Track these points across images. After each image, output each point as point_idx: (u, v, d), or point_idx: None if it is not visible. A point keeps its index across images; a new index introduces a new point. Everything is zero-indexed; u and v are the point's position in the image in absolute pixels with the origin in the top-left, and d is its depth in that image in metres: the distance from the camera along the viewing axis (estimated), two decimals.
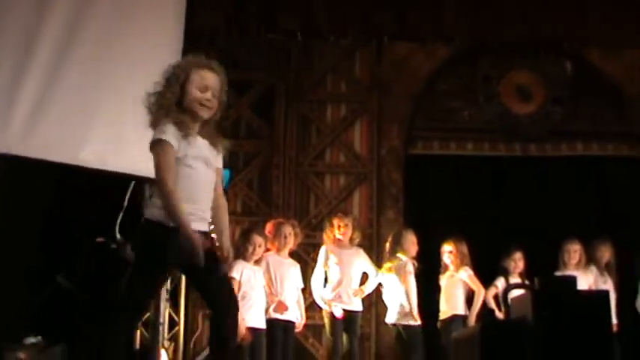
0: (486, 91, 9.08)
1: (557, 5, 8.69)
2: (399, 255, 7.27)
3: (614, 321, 7.31)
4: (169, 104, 3.80)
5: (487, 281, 7.67)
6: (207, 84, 3.86)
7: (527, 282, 7.16)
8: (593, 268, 7.72)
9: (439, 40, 8.96)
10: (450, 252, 7.56)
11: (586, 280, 7.45)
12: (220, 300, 3.82)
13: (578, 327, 3.46)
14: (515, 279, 7.53)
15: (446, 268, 7.65)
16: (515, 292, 4.59)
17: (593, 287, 7.41)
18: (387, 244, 7.47)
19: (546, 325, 3.48)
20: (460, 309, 7.46)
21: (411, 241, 7.28)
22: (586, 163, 9.18)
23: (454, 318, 7.39)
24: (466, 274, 7.45)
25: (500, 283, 7.59)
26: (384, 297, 7.44)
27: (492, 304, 7.52)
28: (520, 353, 3.66)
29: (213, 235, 3.87)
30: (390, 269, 7.28)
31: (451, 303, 7.49)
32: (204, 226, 3.84)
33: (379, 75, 8.96)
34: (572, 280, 4.14)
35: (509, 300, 4.37)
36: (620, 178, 9.13)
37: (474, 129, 9.07)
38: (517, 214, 8.69)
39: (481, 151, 9.07)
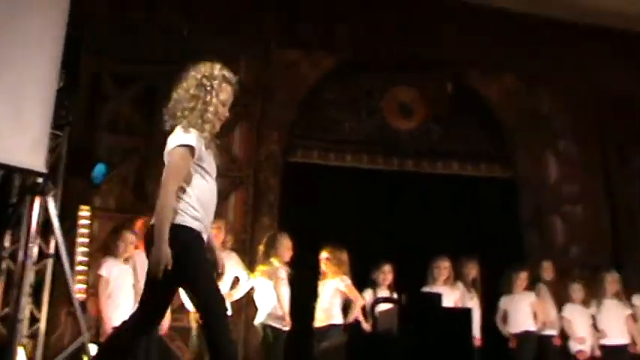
0: (369, 104, 9.22)
1: (441, 27, 8.89)
2: (272, 259, 7.18)
3: (478, 336, 7.60)
4: (201, 114, 3.91)
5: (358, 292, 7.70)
6: (228, 100, 4.03)
7: (395, 295, 7.27)
8: (460, 285, 7.89)
9: (326, 50, 9.01)
10: (327, 259, 7.47)
11: (453, 296, 7.62)
12: None
13: (441, 341, 3.52)
14: (383, 291, 7.59)
15: (324, 275, 7.55)
16: (383, 306, 4.64)
17: (459, 303, 7.58)
18: (261, 247, 7.37)
19: (411, 339, 3.52)
20: (336, 318, 7.35)
21: (285, 246, 7.16)
22: (460, 182, 9.42)
23: (330, 327, 7.27)
24: (343, 284, 7.36)
25: (368, 294, 7.63)
26: (256, 299, 7.33)
27: (360, 316, 7.50)
28: None
29: None
30: (263, 273, 7.18)
31: (328, 311, 7.36)
32: (206, 236, 3.89)
33: (264, 80, 8.91)
34: (438, 296, 4.22)
35: (376, 312, 4.40)
36: (491, 199, 9.42)
37: (353, 141, 9.18)
38: (391, 227, 8.81)
39: (359, 164, 9.18)
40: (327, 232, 8.23)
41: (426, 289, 7.63)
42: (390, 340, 3.62)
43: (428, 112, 9.34)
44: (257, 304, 7.29)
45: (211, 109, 3.97)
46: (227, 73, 4.09)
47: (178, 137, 3.87)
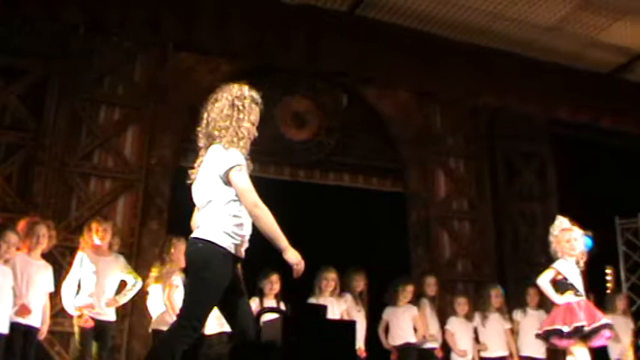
0: (263, 112, 9.18)
1: (339, 40, 8.96)
2: (167, 265, 7.03)
3: (362, 347, 7.69)
4: (235, 132, 4.21)
5: None
6: (256, 120, 4.41)
7: (282, 305, 7.28)
8: (348, 296, 7.96)
9: (223, 56, 8.95)
10: None
11: (339, 307, 7.69)
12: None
13: (324, 353, 3.55)
14: (270, 301, 7.56)
15: None
16: (269, 316, 4.62)
17: (346, 315, 7.65)
18: (157, 251, 7.20)
19: (294, 351, 3.53)
20: (227, 325, 7.15)
21: (180, 251, 6.99)
22: (352, 194, 9.53)
23: (220, 335, 7.16)
24: None
25: (254, 304, 7.59)
26: (148, 305, 7.18)
27: None
28: None
29: None
30: (157, 279, 7.03)
31: (220, 319, 7.19)
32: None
33: (159, 83, 8.79)
34: (323, 308, 4.24)
35: (261, 323, 4.39)
36: (381, 211, 9.56)
37: None
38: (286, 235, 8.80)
39: (251, 172, 9.12)
40: None
41: (312, 300, 7.66)
42: (274, 351, 3.63)
43: (321, 123, 9.41)
44: (150, 310, 7.15)
45: (244, 127, 4.29)
46: (255, 94, 4.44)
47: (231, 157, 4.17)
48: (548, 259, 6.57)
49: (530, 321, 8.21)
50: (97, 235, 7.01)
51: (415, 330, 8.11)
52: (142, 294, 7.24)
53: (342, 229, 9.11)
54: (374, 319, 8.22)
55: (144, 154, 8.56)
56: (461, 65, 8.82)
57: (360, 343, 7.77)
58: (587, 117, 9.54)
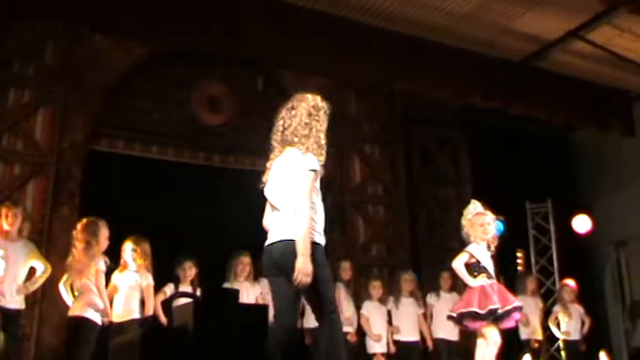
0: (178, 96, 9.08)
1: (256, 25, 8.90)
2: (94, 248, 6.76)
3: None
4: (316, 140, 4.54)
5: (161, 285, 7.53)
6: (326, 129, 4.67)
7: (199, 291, 7.22)
8: (264, 281, 7.91)
9: (139, 38, 8.78)
10: (134, 250, 7.21)
11: (254, 291, 7.67)
12: None
13: (236, 338, 3.53)
14: (186, 287, 7.50)
15: (125, 266, 7.28)
16: (182, 301, 4.58)
17: (260, 300, 7.63)
18: (80, 235, 6.90)
19: (206, 335, 3.50)
20: (136, 312, 7.05)
21: (104, 236, 6.82)
22: None
23: (131, 322, 7.02)
24: (146, 283, 7.12)
25: (169, 289, 7.51)
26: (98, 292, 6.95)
27: (159, 311, 7.33)
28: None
29: None
30: (81, 264, 6.75)
31: (127, 306, 7.10)
32: None
33: (71, 64, 8.56)
34: (234, 292, 4.21)
35: (173, 307, 4.34)
36: None
37: (161, 132, 9.00)
38: (197, 221, 8.73)
39: (165, 156, 9.03)
40: (129, 224, 7.98)
41: (227, 285, 7.61)
42: (185, 336, 3.58)
43: (237, 107, 9.34)
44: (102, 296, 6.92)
45: (322, 135, 4.64)
46: (325, 105, 4.81)
47: (307, 161, 4.42)
48: (462, 244, 6.67)
49: (444, 304, 8.34)
50: (6, 220, 6.83)
51: None
52: (52, 280, 7.06)
53: (257, 214, 9.05)
54: None
55: (55, 137, 8.32)
56: (376, 51, 8.87)
57: None
58: (499, 104, 9.71)
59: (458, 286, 8.16)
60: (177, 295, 5.47)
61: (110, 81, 8.74)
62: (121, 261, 7.29)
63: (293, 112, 4.69)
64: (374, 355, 8.38)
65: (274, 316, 4.29)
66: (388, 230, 10.14)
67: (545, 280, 10.76)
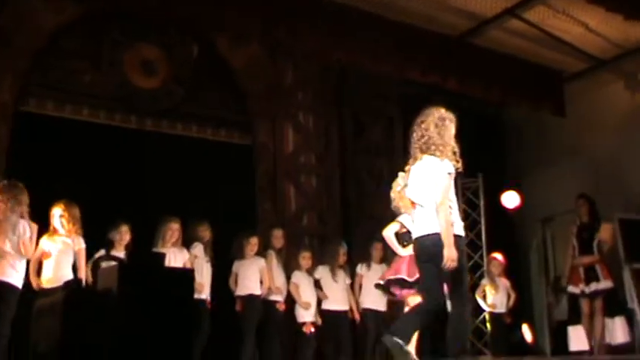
0: (111, 58, 8.89)
1: None
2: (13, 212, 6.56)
3: (208, 298, 7.71)
4: (452, 148, 5.18)
5: (94, 251, 7.38)
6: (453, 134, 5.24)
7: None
8: (195, 247, 7.86)
9: None
10: (62, 216, 7.05)
11: (182, 257, 7.60)
12: None
13: (160, 300, 3.48)
14: (119, 252, 7.37)
15: (54, 231, 7.11)
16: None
17: (189, 265, 7.57)
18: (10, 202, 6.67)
19: (130, 297, 3.45)
20: (67, 277, 6.73)
21: (25, 199, 6.60)
22: (199, 144, 9.42)
23: (57, 288, 6.84)
24: (77, 247, 6.96)
25: (100, 254, 7.38)
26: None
27: (89, 275, 7.17)
28: (102, 323, 3.58)
29: None
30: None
31: (60, 271, 6.94)
32: None
33: None
34: (160, 256, 4.16)
35: (99, 270, 4.27)
36: (228, 164, 9.51)
37: (91, 95, 8.82)
38: (128, 186, 8.60)
39: (96, 119, 8.86)
40: (59, 187, 7.80)
41: (155, 250, 7.53)
42: (109, 298, 3.52)
43: (171, 72, 9.20)
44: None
45: (453, 142, 5.21)
46: (450, 115, 5.30)
47: (444, 166, 5.07)
48: (393, 215, 6.71)
49: (374, 275, 8.37)
50: None
51: (261, 282, 8.15)
52: None
53: (188, 181, 9.00)
54: (221, 271, 8.20)
55: None
56: (315, 20, 8.75)
57: (207, 294, 7.82)
58: (436, 79, 9.73)
59: (388, 258, 8.20)
60: (103, 257, 5.38)
61: (40, 41, 8.52)
62: (50, 226, 7.09)
63: (423, 126, 5.25)
64: (303, 324, 8.42)
65: (427, 296, 5.05)
66: (320, 200, 10.17)
67: (473, 254, 10.90)
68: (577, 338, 9.35)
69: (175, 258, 7.46)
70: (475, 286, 9.79)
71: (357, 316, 8.63)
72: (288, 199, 9.95)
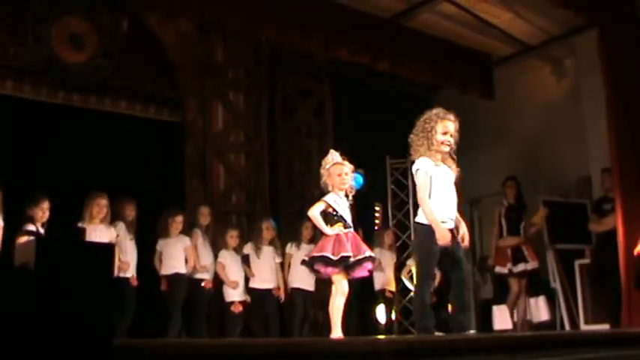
0: (37, 31, 8.67)
1: None
2: None
3: (134, 275, 7.79)
4: (428, 146, 5.64)
5: (14, 228, 7.21)
6: (449, 129, 5.72)
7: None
8: (120, 225, 7.80)
9: None
10: None
11: (109, 234, 7.52)
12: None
13: (79, 277, 3.44)
14: (40, 228, 7.24)
15: None
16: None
17: (115, 241, 7.49)
18: None
19: (47, 273, 3.40)
20: None
21: None
22: (128, 121, 9.30)
23: None
24: None
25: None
26: None
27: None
28: (20, 300, 3.51)
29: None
30: None
31: None
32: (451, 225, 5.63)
33: None
34: (80, 231, 4.10)
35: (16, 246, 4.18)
36: (157, 141, 9.42)
37: (16, 68, 8.62)
38: (56, 163, 8.45)
39: (21, 93, 8.65)
40: None
41: (81, 225, 7.42)
42: (26, 274, 3.47)
43: (100, 46, 9.03)
44: None
45: (434, 141, 5.65)
46: (439, 111, 5.80)
47: (416, 165, 5.67)
48: (322, 194, 6.72)
49: (303, 254, 8.32)
50: None
51: (187, 260, 8.11)
52: None
53: (116, 158, 8.89)
54: (148, 249, 8.13)
55: None
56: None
57: (132, 272, 7.75)
58: (366, 59, 9.76)
59: (318, 237, 8.23)
60: (22, 232, 5.28)
61: None
62: None
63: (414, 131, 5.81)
64: (231, 303, 8.41)
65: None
66: (249, 179, 10.17)
67: (401, 234, 11.04)
68: (501, 317, 9.57)
69: (102, 235, 7.37)
70: (402, 266, 9.91)
71: (282, 295, 8.64)
72: (217, 177, 9.92)
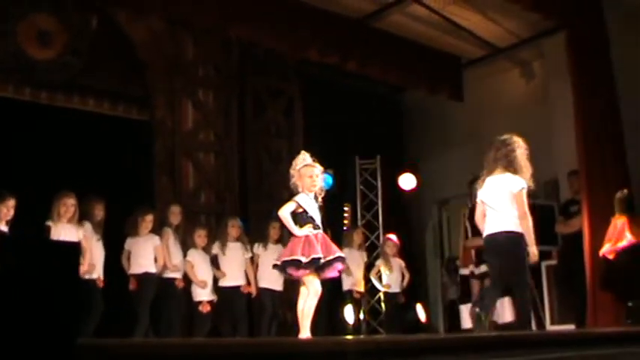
0: (3, 27, 8.57)
1: None
2: None
3: (101, 276, 7.68)
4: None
5: None
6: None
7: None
8: (87, 225, 7.73)
9: None
10: None
11: (77, 234, 7.44)
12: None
13: (44, 276, 3.39)
14: (4, 226, 7.16)
15: None
16: None
17: (83, 241, 7.42)
18: None
19: (11, 273, 3.35)
20: None
21: None
22: (96, 119, 9.23)
23: None
24: None
25: None
26: None
27: None
28: None
29: None
30: None
31: None
32: None
33: None
34: (45, 228, 4.05)
35: None
36: (126, 139, 9.36)
37: None
38: (20, 160, 8.35)
39: None
40: None
41: (48, 224, 7.35)
42: None
43: (68, 43, 8.94)
44: None
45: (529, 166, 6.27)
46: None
47: (522, 182, 6.17)
48: (291, 195, 6.71)
49: (270, 254, 8.38)
50: None
51: (156, 260, 8.06)
52: None
53: (84, 156, 8.82)
54: (116, 248, 8.06)
55: None
56: None
57: (99, 273, 7.67)
58: (335, 59, 9.77)
59: (285, 238, 8.22)
60: None
61: None
62: None
63: (509, 147, 6.23)
64: (200, 302, 8.37)
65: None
66: (218, 178, 10.13)
67: (370, 234, 11.07)
68: (469, 317, 9.59)
69: (69, 234, 7.29)
70: (371, 266, 9.93)
71: (253, 291, 8.62)
72: (186, 176, 9.88)
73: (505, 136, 6.36)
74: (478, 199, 6.44)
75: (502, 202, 6.16)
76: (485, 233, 6.27)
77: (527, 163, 6.27)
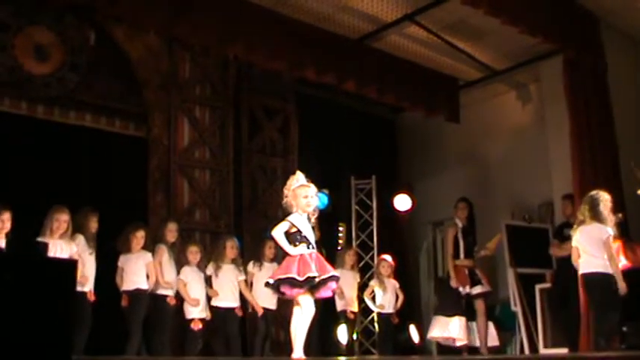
0: (1, 40, 8.56)
1: None
2: None
3: (92, 290, 7.62)
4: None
5: None
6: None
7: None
8: (80, 238, 7.68)
9: None
10: None
11: (69, 249, 7.39)
12: None
13: (41, 292, 3.38)
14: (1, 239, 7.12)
15: None
16: None
17: (77, 257, 7.37)
18: None
19: (9, 289, 3.33)
20: None
21: None
22: (93, 134, 9.22)
23: None
24: None
25: None
26: None
27: None
28: None
29: None
30: None
31: None
32: None
33: None
34: (43, 245, 4.04)
35: None
36: (122, 155, 9.34)
37: None
38: (18, 174, 8.33)
39: None
40: None
41: (41, 239, 7.29)
42: None
43: (65, 58, 8.94)
44: None
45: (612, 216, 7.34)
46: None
47: (610, 231, 7.26)
48: (286, 213, 6.70)
49: (265, 273, 8.34)
50: None
51: (148, 276, 8.01)
52: None
53: (80, 171, 8.80)
54: (110, 264, 8.02)
55: None
56: (213, 15, 8.64)
57: (90, 287, 7.62)
58: (332, 79, 9.78)
59: (279, 257, 8.20)
60: None
61: None
62: None
63: (594, 202, 7.32)
64: (192, 320, 8.32)
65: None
66: (213, 196, 10.11)
67: (364, 254, 11.04)
68: (460, 329, 9.53)
69: (62, 250, 7.25)
70: (365, 286, 9.90)
71: (259, 310, 8.58)
72: (181, 193, 9.86)
73: (592, 192, 7.43)
74: (573, 244, 7.42)
75: (594, 247, 7.23)
76: (580, 272, 7.34)
77: (610, 214, 7.31)
